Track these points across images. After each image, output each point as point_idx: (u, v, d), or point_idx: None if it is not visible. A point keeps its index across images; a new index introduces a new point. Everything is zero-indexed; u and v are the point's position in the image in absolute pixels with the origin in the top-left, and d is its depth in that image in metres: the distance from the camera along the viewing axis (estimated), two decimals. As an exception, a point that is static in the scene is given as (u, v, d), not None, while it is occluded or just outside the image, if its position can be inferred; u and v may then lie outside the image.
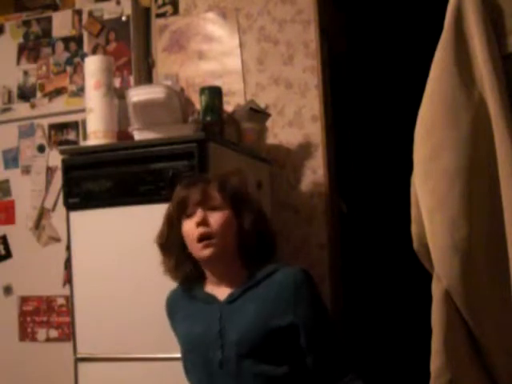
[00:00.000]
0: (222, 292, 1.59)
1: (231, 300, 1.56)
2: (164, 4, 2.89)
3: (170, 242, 1.62)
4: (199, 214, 1.55)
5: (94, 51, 2.81)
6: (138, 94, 2.06)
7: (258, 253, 1.58)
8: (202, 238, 1.53)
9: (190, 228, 1.56)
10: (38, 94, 2.89)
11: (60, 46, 2.88)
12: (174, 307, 1.69)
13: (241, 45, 2.77)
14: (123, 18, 2.79)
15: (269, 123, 2.60)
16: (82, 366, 2.08)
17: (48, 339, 2.77)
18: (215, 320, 1.54)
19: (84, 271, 2.10)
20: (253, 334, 1.49)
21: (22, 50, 2.93)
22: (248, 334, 1.49)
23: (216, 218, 1.55)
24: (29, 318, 2.81)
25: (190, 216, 1.57)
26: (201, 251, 1.54)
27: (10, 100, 2.93)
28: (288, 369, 1.49)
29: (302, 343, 1.51)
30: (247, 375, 1.48)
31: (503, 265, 1.28)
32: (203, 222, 1.54)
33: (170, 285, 1.73)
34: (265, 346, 1.49)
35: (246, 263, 1.59)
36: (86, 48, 2.84)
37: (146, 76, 2.86)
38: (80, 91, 2.77)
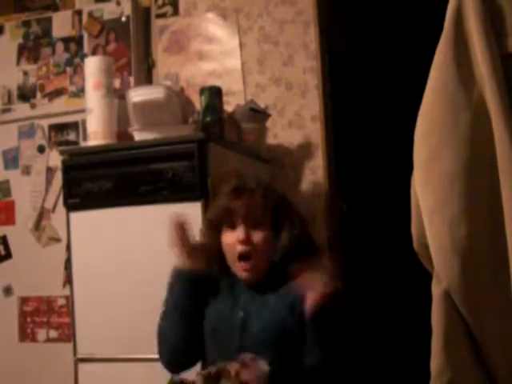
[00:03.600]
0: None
1: (256, 290, 1.59)
2: (164, 4, 2.89)
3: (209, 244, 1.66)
4: (242, 232, 1.57)
5: (94, 52, 2.81)
6: (138, 95, 2.06)
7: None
8: (242, 257, 1.57)
9: (231, 242, 1.59)
10: (38, 95, 2.89)
11: (60, 46, 2.88)
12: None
13: (241, 45, 2.77)
14: (123, 19, 2.79)
15: (269, 123, 2.60)
16: (82, 367, 2.08)
17: (48, 340, 2.77)
18: (239, 306, 1.58)
19: (84, 271, 2.10)
20: (273, 329, 1.52)
21: (21, 50, 2.93)
22: (269, 326, 1.52)
23: (258, 238, 1.58)
24: (29, 319, 2.80)
25: (233, 228, 1.59)
26: (240, 272, 1.59)
27: (9, 100, 2.92)
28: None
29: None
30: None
31: (503, 265, 1.28)
32: (245, 241, 1.57)
33: (170, 285, 1.73)
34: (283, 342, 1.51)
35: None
36: (86, 48, 2.84)
37: (146, 76, 2.86)
38: (80, 92, 2.77)
